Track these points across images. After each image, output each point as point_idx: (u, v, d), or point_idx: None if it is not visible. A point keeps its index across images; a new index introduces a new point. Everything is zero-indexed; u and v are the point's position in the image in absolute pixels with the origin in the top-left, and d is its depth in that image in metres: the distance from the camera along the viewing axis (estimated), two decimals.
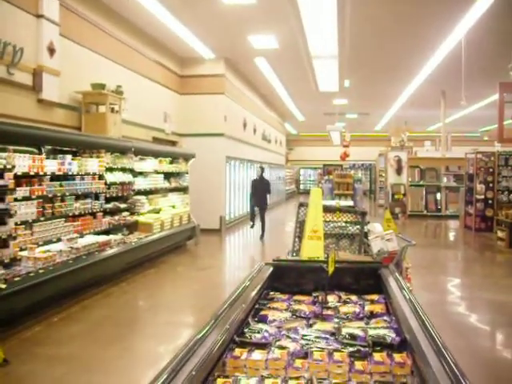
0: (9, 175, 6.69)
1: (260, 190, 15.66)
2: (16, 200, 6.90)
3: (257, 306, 3.13)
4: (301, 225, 5.81)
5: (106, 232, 9.46)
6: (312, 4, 7.48)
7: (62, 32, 9.33)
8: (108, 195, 9.53)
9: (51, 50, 8.95)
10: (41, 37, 8.77)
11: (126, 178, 10.32)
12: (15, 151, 6.97)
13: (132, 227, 10.54)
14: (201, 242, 13.86)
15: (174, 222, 12.16)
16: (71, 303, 7.53)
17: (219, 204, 16.65)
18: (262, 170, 16.25)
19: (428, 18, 11.66)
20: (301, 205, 5.81)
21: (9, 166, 6.70)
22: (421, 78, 17.76)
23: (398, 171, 22.97)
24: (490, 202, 16.86)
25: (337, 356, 2.30)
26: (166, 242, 11.47)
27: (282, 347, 2.39)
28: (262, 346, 2.44)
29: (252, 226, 16.43)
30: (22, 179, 7.15)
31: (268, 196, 15.96)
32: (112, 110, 10.46)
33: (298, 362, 2.27)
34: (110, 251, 8.87)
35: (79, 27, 10.21)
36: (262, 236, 15.52)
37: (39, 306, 6.96)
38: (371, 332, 2.60)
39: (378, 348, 2.41)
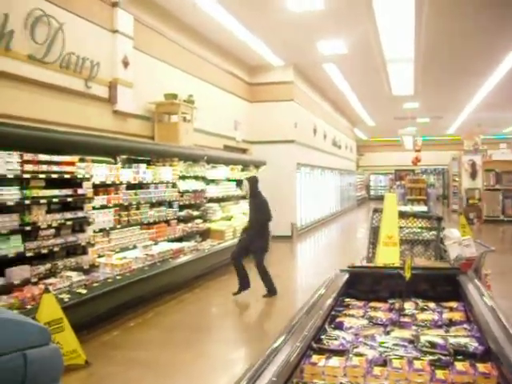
0: (87, 184, 6.94)
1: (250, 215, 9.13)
2: (94, 208, 7.16)
3: (333, 313, 3.10)
4: (375, 231, 5.73)
5: (180, 239, 9.63)
6: (388, 7, 7.39)
7: (135, 45, 9.62)
8: (181, 203, 9.71)
9: (125, 63, 9.24)
10: (116, 51, 9.08)
11: (199, 185, 10.49)
12: (93, 161, 7.24)
13: (204, 234, 10.69)
14: (272, 249, 13.86)
15: None
16: (146, 309, 7.70)
17: (290, 211, 16.60)
18: (252, 181, 9.19)
19: (502, 19, 11.26)
20: (375, 211, 5.72)
21: (87, 176, 6.95)
22: (495, 79, 17.16)
23: (473, 175, 22.29)
24: None
25: (417, 364, 2.25)
26: None
27: (360, 354, 2.37)
28: (340, 352, 2.41)
29: (239, 291, 8.75)
30: (100, 188, 7.40)
31: (264, 227, 8.94)
32: (184, 119, 10.67)
33: (377, 370, 2.23)
34: (183, 258, 9.03)
35: (151, 40, 10.49)
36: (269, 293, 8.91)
37: (116, 312, 7.16)
38: (452, 340, 2.53)
39: (460, 357, 2.34)
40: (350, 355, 2.36)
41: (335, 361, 2.30)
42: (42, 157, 6.19)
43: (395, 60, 10.74)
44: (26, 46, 7.12)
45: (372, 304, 3.34)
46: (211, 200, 11.16)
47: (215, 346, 6.67)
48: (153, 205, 8.82)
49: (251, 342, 6.90)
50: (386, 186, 41.00)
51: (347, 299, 3.46)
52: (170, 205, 9.36)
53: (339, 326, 2.86)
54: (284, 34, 12.86)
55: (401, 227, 5.56)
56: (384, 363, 2.28)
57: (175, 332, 7.00)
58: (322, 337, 2.62)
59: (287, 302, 9.00)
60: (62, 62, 7.79)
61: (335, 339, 2.58)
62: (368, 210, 31.52)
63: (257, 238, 8.83)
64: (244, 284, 8.80)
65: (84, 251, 7.06)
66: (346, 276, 3.74)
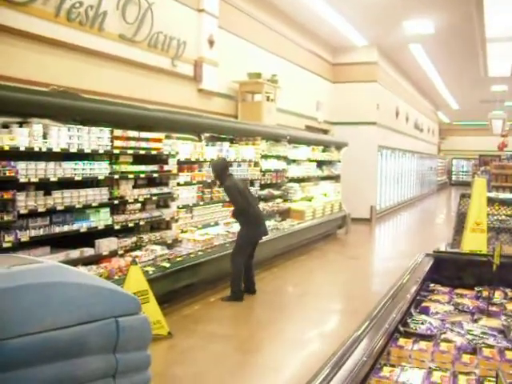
0: (173, 161, 7.11)
1: (253, 196, 8.14)
2: (178, 184, 7.32)
3: (418, 298, 3.06)
4: (461, 217, 5.57)
5: None
6: None
7: (220, 24, 9.69)
8: (262, 182, 9.77)
9: (211, 42, 9.33)
10: (202, 30, 9.19)
11: (280, 165, 10.52)
12: (178, 138, 7.39)
13: (284, 214, 10.72)
14: (351, 231, 13.77)
15: (325, 210, 12.19)
16: (226, 285, 7.81)
17: (370, 193, 16.42)
18: (217, 166, 7.51)
19: None
20: (462, 196, 5.56)
21: (173, 153, 7.11)
22: None
23: None
24: None
25: (509, 355, 2.19)
26: (317, 229, 11.54)
27: (448, 340, 2.33)
28: (427, 337, 2.39)
29: (238, 296, 7.29)
30: (184, 165, 7.55)
31: (240, 216, 7.52)
32: (267, 98, 10.69)
33: (466, 358, 2.19)
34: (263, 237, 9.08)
35: (236, 19, 10.53)
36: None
37: (198, 286, 7.33)
38: None
39: None
40: (438, 341, 2.32)
41: (422, 345, 2.28)
42: (131, 133, 6.37)
43: (497, 38, 10.22)
44: (117, 25, 7.33)
45: (458, 291, 3.28)
46: (292, 180, 11.17)
47: (292, 324, 6.71)
48: None
49: (327, 322, 6.91)
50: (468, 171, 39.71)
51: (432, 284, 3.41)
52: (251, 183, 9.43)
53: (425, 311, 2.83)
54: (369, 14, 12.60)
55: (486, 214, 5.38)
56: (473, 351, 2.23)
57: (255, 309, 7.10)
58: (409, 321, 2.59)
59: (367, 284, 8.95)
60: (150, 41, 7.97)
61: (422, 324, 2.55)
62: (448, 195, 30.73)
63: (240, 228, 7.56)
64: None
65: (168, 226, 7.26)
66: (431, 261, 3.67)
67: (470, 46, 14.32)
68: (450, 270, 3.66)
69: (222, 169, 7.38)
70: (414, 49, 16.20)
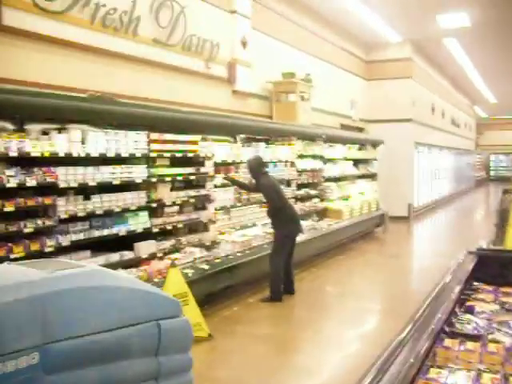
0: (209, 163, 7.13)
1: (284, 195, 7.71)
2: (215, 186, 7.34)
3: (462, 297, 3.00)
4: (503, 213, 5.47)
5: None
6: None
7: (253, 25, 9.70)
8: (299, 182, 9.74)
9: (244, 43, 9.35)
10: (234, 31, 9.22)
11: (316, 164, 10.47)
12: (214, 140, 7.41)
13: (322, 213, 10.67)
14: (389, 229, 13.62)
15: (362, 208, 12.09)
16: (264, 286, 7.80)
17: (408, 191, 16.22)
18: (262, 161, 7.57)
19: None
20: (504, 192, 5.46)
21: (209, 155, 7.13)
22: None
23: None
24: None
25: None
26: (355, 228, 11.44)
27: (496, 341, 2.27)
28: (474, 337, 2.32)
29: (277, 296, 7.19)
30: (221, 167, 7.56)
31: (274, 216, 7.43)
32: (302, 97, 10.65)
33: None
34: (301, 237, 9.02)
35: (268, 19, 10.53)
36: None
37: (237, 288, 7.33)
38: None
39: None
40: (486, 341, 2.26)
41: (470, 346, 2.22)
42: (168, 136, 6.41)
43: None
44: (151, 30, 7.40)
45: (503, 289, 3.20)
46: (328, 179, 11.10)
47: (332, 324, 6.66)
48: None
49: (366, 322, 6.83)
50: (507, 166, 38.91)
51: (475, 283, 3.33)
52: (288, 183, 9.40)
53: (470, 310, 2.76)
54: (402, 8, 12.43)
55: None
56: None
57: (294, 309, 7.07)
58: (454, 321, 2.53)
59: (407, 284, 8.84)
60: (184, 44, 8.02)
61: (468, 323, 2.49)
62: (487, 191, 30.12)
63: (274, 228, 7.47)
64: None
65: (205, 228, 7.28)
66: (474, 259, 3.59)
67: (510, 36, 14.03)
68: (493, 268, 3.57)
69: (257, 167, 7.29)
70: (448, 43, 15.92)
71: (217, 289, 6.81)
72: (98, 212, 5.48)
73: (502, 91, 25.68)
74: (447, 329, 2.40)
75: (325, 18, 12.93)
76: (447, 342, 2.27)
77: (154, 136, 6.20)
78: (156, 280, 5.83)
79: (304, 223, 9.36)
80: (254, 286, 7.68)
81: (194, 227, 7.24)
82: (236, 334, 6.00)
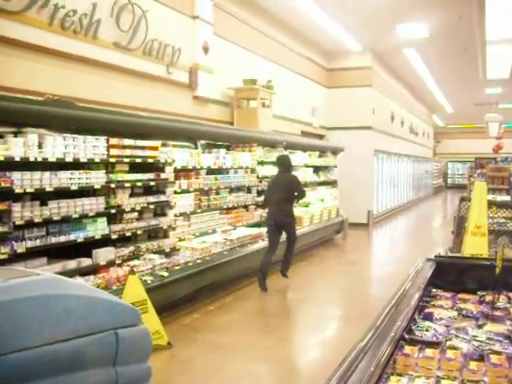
0: (169, 169, 7.07)
1: (279, 194, 8.40)
2: (175, 193, 7.28)
3: (420, 303, 3.02)
4: (460, 220, 5.56)
5: (257, 225, 9.66)
6: None
7: (215, 31, 9.67)
8: (259, 188, 9.73)
9: (205, 49, 9.31)
10: (196, 37, 9.17)
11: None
12: (174, 146, 7.35)
13: None
14: (349, 235, 13.74)
15: (322, 215, 12.15)
16: (226, 293, 7.78)
17: (367, 198, 16.40)
18: (283, 160, 8.88)
19: None
20: (462, 199, 5.56)
21: (169, 161, 7.07)
22: None
23: None
24: None
25: None
26: (315, 235, 11.50)
27: (454, 347, 2.28)
28: (433, 344, 2.33)
29: (262, 287, 8.14)
30: (181, 173, 7.51)
31: (295, 204, 8.81)
32: (263, 104, 10.66)
33: (473, 365, 2.14)
34: (261, 243, 9.04)
35: (230, 25, 10.51)
36: (283, 270, 8.83)
37: (196, 295, 7.26)
38: None
39: None
40: (444, 348, 2.28)
41: (429, 353, 2.22)
42: (127, 141, 6.33)
43: (497, 41, 10.24)
44: (111, 33, 7.29)
45: (461, 295, 3.23)
46: None
47: (293, 331, 6.67)
48: (232, 190, 8.89)
49: (328, 328, 6.85)
50: (464, 174, 39.78)
51: (434, 290, 3.37)
52: (248, 190, 9.40)
53: (429, 317, 2.78)
54: (363, 18, 12.60)
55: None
56: (480, 358, 2.18)
57: (254, 316, 7.04)
58: (413, 328, 2.55)
59: (367, 290, 8.91)
60: (145, 49, 7.93)
61: (427, 330, 2.51)
62: (445, 198, 30.76)
63: (286, 215, 8.49)
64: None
65: (165, 235, 7.20)
66: (432, 266, 3.63)
67: (467, 48, 14.34)
68: (451, 275, 3.61)
69: (277, 165, 8.88)
70: (408, 53, 16.23)
71: (177, 296, 6.74)
72: (55, 218, 5.36)
73: (459, 101, 26.28)
74: (407, 336, 2.41)
75: (287, 25, 13.00)
76: (407, 349, 2.27)
77: (114, 141, 6.10)
78: (115, 287, 5.74)
79: (264, 229, 9.37)
80: (214, 292, 7.63)
81: (154, 234, 7.16)
82: (196, 341, 5.93)
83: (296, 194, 8.52)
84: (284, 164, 8.67)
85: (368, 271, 10.77)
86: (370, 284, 9.63)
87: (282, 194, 8.32)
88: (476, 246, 4.26)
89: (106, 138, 5.99)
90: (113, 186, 6.12)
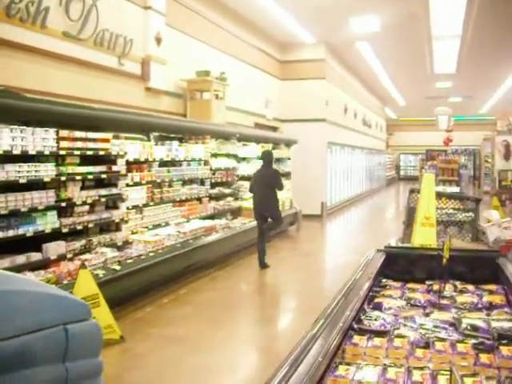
0: (121, 161, 6.98)
1: (261, 186, 9.36)
2: (128, 185, 7.20)
3: (370, 294, 3.08)
4: (410, 211, 5.67)
5: (211, 217, 9.66)
6: None
7: (167, 22, 9.57)
8: (213, 181, 9.72)
9: (158, 40, 9.21)
10: (149, 27, 9.05)
11: (230, 163, 10.49)
12: (126, 138, 7.26)
13: (236, 212, 10.71)
14: (302, 227, 13.86)
15: None
16: (179, 286, 7.75)
17: (321, 190, 16.57)
18: (267, 155, 9.76)
19: None
20: (411, 191, 5.67)
21: (121, 153, 6.99)
22: None
23: (506, 156, 21.84)
24: None
25: (460, 347, 2.22)
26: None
27: (401, 336, 2.35)
28: (381, 333, 2.40)
29: (261, 265, 9.30)
30: (133, 165, 7.43)
31: (275, 196, 9.46)
32: (216, 96, 10.63)
33: (419, 352, 2.21)
34: (215, 236, 9.05)
35: (183, 16, 10.43)
36: (261, 263, 9.35)
37: (150, 288, 7.22)
38: (494, 324, 2.49)
39: (505, 341, 2.30)
40: (392, 336, 2.34)
41: (377, 342, 2.29)
42: (78, 133, 6.22)
43: (441, 36, 10.48)
44: (61, 22, 7.13)
45: (409, 285, 3.32)
46: (243, 178, 11.16)
47: (247, 323, 6.70)
48: (185, 182, 8.85)
49: (283, 320, 6.91)
50: (416, 166, 40.56)
51: (384, 280, 3.44)
52: (201, 182, 9.37)
53: (378, 307, 2.85)
54: (316, 11, 12.66)
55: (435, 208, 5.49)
56: (426, 345, 2.26)
57: (208, 309, 7.04)
58: (362, 317, 2.60)
59: (320, 281, 9.01)
60: (96, 39, 7.79)
61: (375, 320, 2.56)
62: (397, 190, 31.34)
63: (269, 207, 9.46)
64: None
65: (118, 228, 7.13)
66: (383, 256, 3.70)
67: (416, 43, 14.61)
68: (401, 265, 3.70)
69: (261, 159, 9.95)
70: (360, 46, 16.41)
71: (129, 290, 6.68)
72: (3, 212, 5.23)
73: (410, 94, 26.76)
74: (356, 326, 2.45)
75: (241, 17, 12.98)
76: (356, 338, 2.33)
77: (64, 133, 5.99)
78: (66, 282, 5.66)
79: (218, 222, 9.38)
80: (167, 286, 7.60)
81: (106, 227, 7.07)
82: (149, 335, 5.90)
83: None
84: (267, 158, 9.60)
85: (322, 262, 10.90)
86: (324, 275, 9.75)
87: (264, 186, 9.28)
88: (425, 236, 4.35)
89: (55, 130, 5.87)
90: (63, 178, 6.01)
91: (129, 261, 6.83)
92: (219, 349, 5.67)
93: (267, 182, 9.26)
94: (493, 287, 3.24)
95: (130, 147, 7.29)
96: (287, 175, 13.94)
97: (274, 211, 9.42)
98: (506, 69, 19.17)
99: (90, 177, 6.46)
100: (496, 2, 11.71)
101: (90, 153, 6.41)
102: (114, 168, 6.85)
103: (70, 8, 7.23)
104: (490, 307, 2.90)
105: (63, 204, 6.04)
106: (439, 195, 5.83)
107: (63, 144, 5.98)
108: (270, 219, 9.44)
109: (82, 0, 7.44)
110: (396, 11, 12.28)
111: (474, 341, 2.29)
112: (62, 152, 5.99)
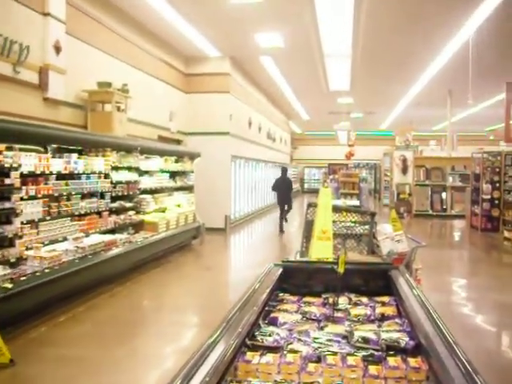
0: (15, 174, 6.67)
1: (283, 188, 17.06)
2: (22, 199, 6.88)
3: (267, 308, 3.09)
4: (309, 225, 5.76)
5: (112, 231, 9.42)
6: (328, 2, 7.48)
7: (68, 30, 9.28)
8: (114, 194, 9.49)
9: (57, 49, 8.91)
10: (47, 35, 8.72)
11: (132, 176, 10.28)
12: (21, 150, 6.94)
13: (138, 226, 10.50)
14: (206, 241, 13.83)
15: (179, 221, 12.12)
16: (77, 303, 7.49)
17: (224, 203, 16.60)
18: (285, 170, 17.65)
19: (436, 17, 11.57)
20: (309, 205, 5.77)
21: (15, 165, 6.67)
22: (427, 76, 17.67)
23: (404, 171, 22.90)
24: (496, 201, 16.70)
25: (350, 360, 2.27)
26: (171, 241, 11.43)
27: (294, 351, 2.36)
28: (274, 349, 2.40)
29: (281, 230, 16.97)
30: (28, 178, 7.11)
31: (290, 193, 17.74)
32: (118, 108, 10.41)
33: (311, 367, 2.23)
34: (115, 250, 8.84)
35: (85, 25, 10.16)
36: (281, 230, 16.92)
37: (45, 306, 6.92)
38: (384, 335, 2.56)
39: (392, 352, 2.38)
40: (285, 352, 2.35)
41: (269, 358, 2.28)
42: None
43: (333, 55, 10.89)
44: None
45: (306, 299, 3.34)
46: (145, 191, 10.97)
47: (148, 340, 6.56)
48: (84, 196, 8.57)
49: (184, 336, 6.84)
50: (319, 179, 41.63)
51: (281, 294, 3.46)
52: (102, 196, 9.11)
53: (273, 322, 2.84)
54: (221, 25, 12.78)
55: (334, 221, 5.62)
56: (318, 359, 2.28)
57: (107, 326, 6.84)
58: (256, 333, 2.59)
59: (222, 295, 8.99)
60: None
61: (269, 335, 2.56)
62: (302, 202, 31.92)
63: (289, 199, 17.50)
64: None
65: (11, 243, 6.78)
66: (280, 270, 3.74)
67: (312, 61, 15.08)
68: (298, 279, 3.74)
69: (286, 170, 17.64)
70: (265, 61, 16.69)
71: (23, 309, 6.38)
72: None
73: (313, 109, 27.51)
74: (249, 342, 2.45)
75: (145, 29, 12.85)
76: (248, 355, 2.31)
77: None
78: None
79: (119, 236, 9.20)
80: (64, 303, 7.31)
81: None
82: (43, 357, 5.63)
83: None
84: (284, 170, 17.50)
85: (224, 276, 10.88)
86: (226, 289, 9.74)
87: (284, 187, 17.02)
88: (322, 250, 4.41)
89: None
90: None
91: (22, 278, 6.52)
92: (118, 368, 5.50)
93: (286, 185, 17.09)
94: (385, 299, 3.32)
95: (25, 159, 6.98)
96: (190, 189, 13.89)
97: (290, 202, 17.45)
98: (401, 87, 20.20)
99: None
100: (381, 27, 12.36)
101: None
102: (7, 181, 6.51)
103: None
104: (382, 319, 2.97)
105: None
106: (338, 208, 5.97)
107: None
108: (286, 207, 17.06)
109: None
110: (294, 29, 12.60)
111: (364, 353, 2.35)
112: None
